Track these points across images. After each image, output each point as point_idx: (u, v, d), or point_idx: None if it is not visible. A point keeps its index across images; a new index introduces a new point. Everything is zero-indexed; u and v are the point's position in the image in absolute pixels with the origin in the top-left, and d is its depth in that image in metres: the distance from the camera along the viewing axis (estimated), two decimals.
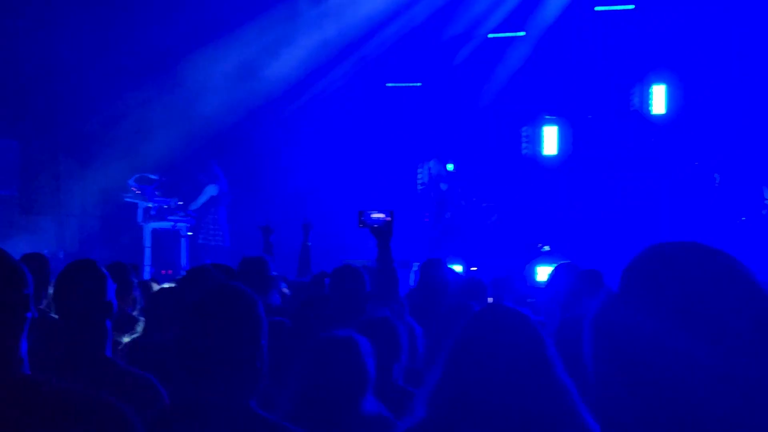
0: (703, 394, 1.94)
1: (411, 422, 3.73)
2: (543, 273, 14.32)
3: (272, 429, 3.68)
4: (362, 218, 7.78)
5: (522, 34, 20.69)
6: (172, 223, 18.93)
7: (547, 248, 13.55)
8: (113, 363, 4.82)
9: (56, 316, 4.86)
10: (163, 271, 17.57)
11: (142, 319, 7.23)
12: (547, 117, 20.15)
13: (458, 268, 14.95)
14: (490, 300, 9.04)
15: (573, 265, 8.17)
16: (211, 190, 19.13)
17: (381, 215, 7.72)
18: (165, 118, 20.91)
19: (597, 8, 20.07)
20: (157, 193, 18.84)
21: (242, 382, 3.69)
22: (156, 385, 4.68)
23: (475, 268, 16.50)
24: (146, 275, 16.54)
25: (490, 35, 20.99)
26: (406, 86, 21.90)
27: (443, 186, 18.91)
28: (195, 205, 19.03)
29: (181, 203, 19.00)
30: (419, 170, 21.43)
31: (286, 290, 9.59)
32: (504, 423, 3.46)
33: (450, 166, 19.37)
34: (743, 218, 16.50)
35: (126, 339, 6.55)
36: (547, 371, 3.55)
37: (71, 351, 4.73)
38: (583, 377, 3.46)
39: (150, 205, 18.80)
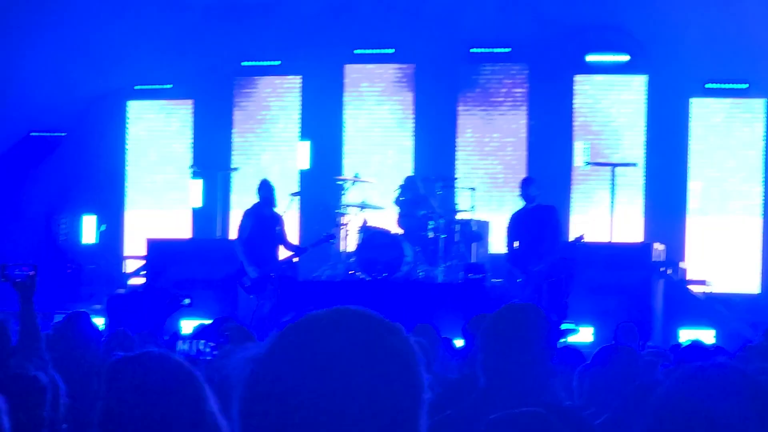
0: None
1: None
2: (188, 327, 14.21)
3: None
4: (5, 272, 7.44)
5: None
6: None
7: (187, 301, 13.27)
8: None
9: None
10: None
11: None
12: None
13: (99, 321, 14.57)
14: None
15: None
16: None
17: (24, 269, 7.41)
18: None
19: None
20: None
21: None
22: None
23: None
24: None
25: None
26: (49, 135, 21.39)
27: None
28: None
29: None
30: (62, 222, 20.98)
31: None
32: None
33: None
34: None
35: None
36: (203, 416, 3.46)
37: None
38: None
39: None
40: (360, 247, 17.05)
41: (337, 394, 2.04)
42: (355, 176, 18.39)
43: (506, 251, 16.16)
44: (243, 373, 2.12)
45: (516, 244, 15.84)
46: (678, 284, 17.67)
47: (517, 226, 15.92)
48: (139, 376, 3.49)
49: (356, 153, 20.49)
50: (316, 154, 20.10)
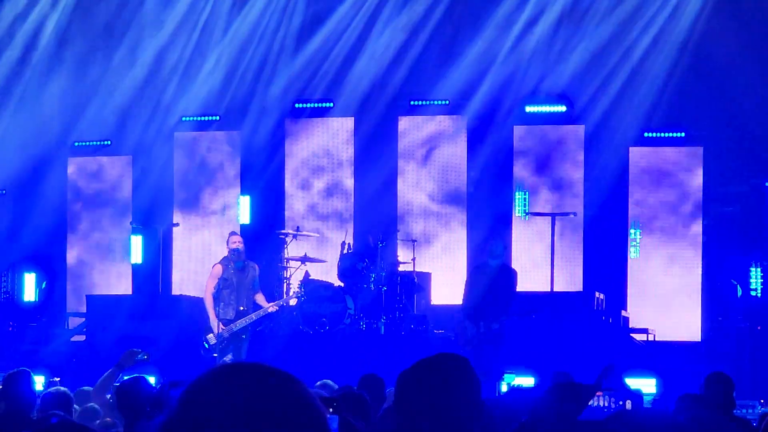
0: None
1: None
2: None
3: None
4: None
5: None
6: None
7: (146, 356, 12.91)
8: None
9: None
10: None
11: None
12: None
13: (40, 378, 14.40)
14: None
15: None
16: None
17: None
18: None
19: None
20: None
21: None
22: None
23: (57, 379, 15.92)
24: None
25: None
26: None
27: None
28: None
29: None
30: (2, 280, 20.74)
31: None
32: None
33: None
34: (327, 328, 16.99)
35: None
36: None
37: None
38: None
39: None
40: (302, 300, 17.03)
41: None
42: (296, 230, 18.42)
43: (462, 303, 16.29)
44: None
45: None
46: (619, 332, 17.76)
47: (478, 279, 16.09)
48: None
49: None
50: (256, 209, 20.11)
